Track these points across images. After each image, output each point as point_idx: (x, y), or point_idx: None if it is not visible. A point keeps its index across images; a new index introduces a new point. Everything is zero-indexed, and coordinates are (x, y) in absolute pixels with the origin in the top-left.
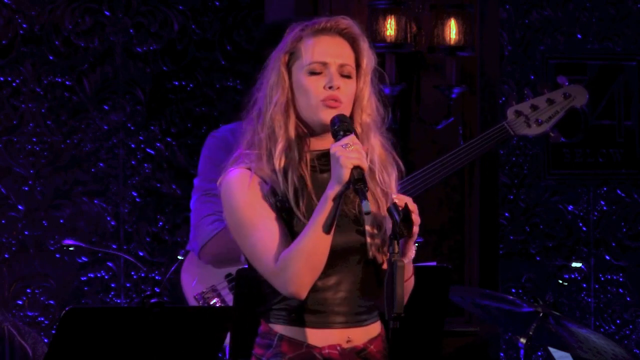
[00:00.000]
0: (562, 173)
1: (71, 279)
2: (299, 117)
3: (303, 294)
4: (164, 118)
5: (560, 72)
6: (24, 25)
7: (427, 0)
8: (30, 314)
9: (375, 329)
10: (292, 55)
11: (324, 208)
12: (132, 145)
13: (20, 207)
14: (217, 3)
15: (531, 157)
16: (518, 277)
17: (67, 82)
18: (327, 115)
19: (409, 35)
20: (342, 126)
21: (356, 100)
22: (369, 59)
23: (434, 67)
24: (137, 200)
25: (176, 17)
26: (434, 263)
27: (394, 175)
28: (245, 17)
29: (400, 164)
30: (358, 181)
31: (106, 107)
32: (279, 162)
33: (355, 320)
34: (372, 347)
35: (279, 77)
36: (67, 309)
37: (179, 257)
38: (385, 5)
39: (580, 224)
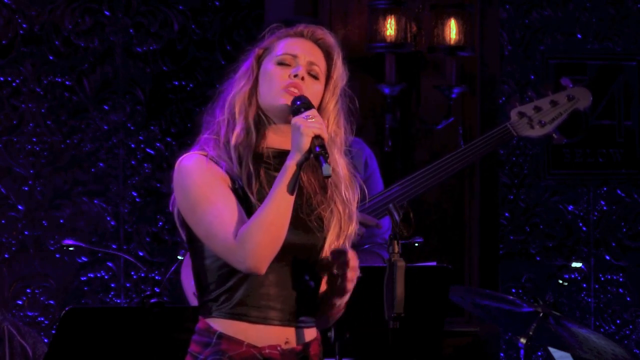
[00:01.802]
0: (562, 173)
1: (71, 279)
2: (260, 108)
3: (263, 269)
4: (164, 118)
5: (560, 72)
6: (24, 25)
7: (427, 0)
8: (30, 314)
9: (312, 333)
10: (266, 50)
11: (284, 178)
12: (132, 145)
13: (20, 207)
14: (217, 3)
15: (531, 157)
16: (518, 277)
17: (67, 82)
18: (286, 101)
19: (409, 35)
20: (303, 105)
21: (321, 111)
22: (339, 73)
23: (434, 67)
24: (137, 200)
25: (176, 17)
26: (434, 263)
27: (356, 197)
28: (245, 17)
29: (364, 188)
30: (319, 147)
31: (106, 107)
32: (234, 148)
33: (293, 319)
34: (310, 349)
35: (248, 68)
36: (67, 309)
37: (179, 257)
38: (385, 5)
39: (580, 224)
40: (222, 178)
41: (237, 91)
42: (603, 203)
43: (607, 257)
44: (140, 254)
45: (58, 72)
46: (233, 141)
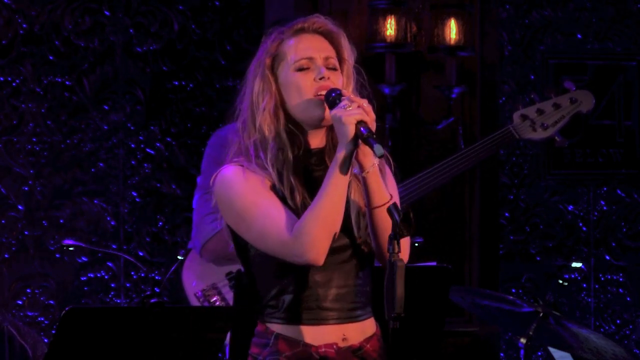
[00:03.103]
0: (562, 173)
1: (71, 279)
2: (289, 119)
3: (321, 260)
4: (164, 118)
5: (560, 72)
6: (24, 25)
7: (427, 0)
8: (30, 314)
9: (370, 326)
10: (276, 58)
11: (336, 169)
12: (132, 145)
13: (20, 207)
14: (217, 3)
15: (531, 157)
16: (518, 277)
17: (67, 82)
18: (321, 108)
19: (409, 35)
20: (337, 96)
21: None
22: (348, 52)
23: (434, 67)
24: (137, 200)
25: (176, 17)
26: (434, 263)
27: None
28: (245, 17)
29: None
30: (365, 130)
31: (106, 107)
32: (272, 166)
33: (349, 316)
34: (368, 346)
35: (264, 82)
36: (67, 309)
37: (179, 257)
38: (385, 5)
39: (580, 224)
40: (263, 183)
41: (261, 111)
42: (603, 203)
43: (607, 257)
44: (140, 254)
45: (58, 72)
46: (269, 160)
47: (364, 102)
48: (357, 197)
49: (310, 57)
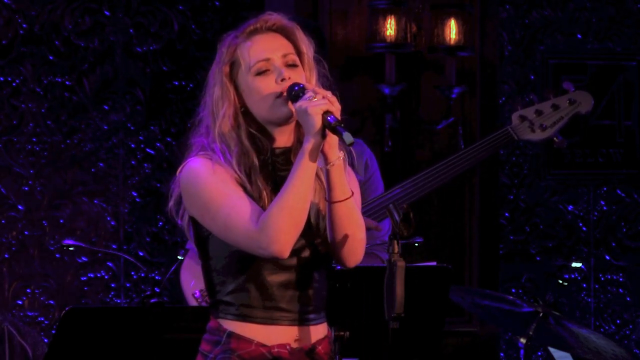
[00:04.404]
0: (562, 173)
1: (71, 279)
2: (252, 124)
3: (286, 252)
4: (164, 118)
5: (560, 72)
6: (24, 25)
7: (427, 0)
8: (30, 314)
9: (322, 330)
10: (233, 65)
11: (302, 162)
12: (132, 145)
13: (20, 207)
14: (217, 3)
15: (531, 157)
16: (518, 277)
17: (67, 82)
18: (286, 106)
19: (409, 35)
20: (300, 90)
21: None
22: (306, 44)
23: (434, 67)
24: (137, 200)
25: (176, 17)
26: (434, 263)
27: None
28: (245, 17)
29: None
30: (333, 119)
31: (106, 107)
32: (238, 168)
33: (302, 319)
34: (319, 347)
35: (223, 90)
36: (67, 309)
37: (179, 257)
38: (385, 5)
39: (580, 224)
40: (231, 175)
41: (221, 118)
42: (603, 203)
43: (607, 257)
44: (140, 254)
45: (58, 72)
46: (236, 165)
47: (328, 93)
48: (317, 198)
49: (267, 58)
